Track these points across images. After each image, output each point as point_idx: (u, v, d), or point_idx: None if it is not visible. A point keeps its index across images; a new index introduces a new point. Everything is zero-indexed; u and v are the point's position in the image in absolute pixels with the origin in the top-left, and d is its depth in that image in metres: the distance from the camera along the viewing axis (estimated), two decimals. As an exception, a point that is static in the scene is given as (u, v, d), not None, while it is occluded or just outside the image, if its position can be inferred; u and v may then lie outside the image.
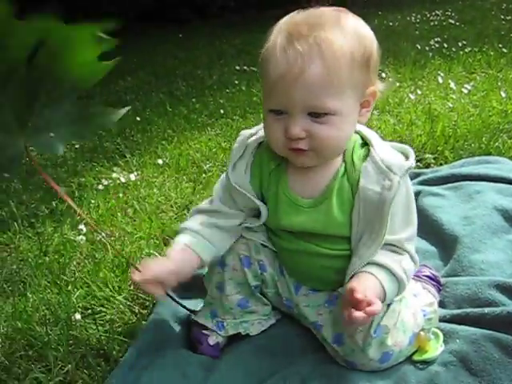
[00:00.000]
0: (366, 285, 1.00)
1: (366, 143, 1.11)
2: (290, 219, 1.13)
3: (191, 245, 1.15)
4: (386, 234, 1.03)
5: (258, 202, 1.16)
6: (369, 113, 1.09)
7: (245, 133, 1.20)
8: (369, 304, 0.95)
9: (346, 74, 0.98)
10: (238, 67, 4.56)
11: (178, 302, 1.28)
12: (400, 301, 1.12)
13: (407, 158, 1.08)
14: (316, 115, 1.00)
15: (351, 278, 1.05)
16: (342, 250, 1.11)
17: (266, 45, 1.04)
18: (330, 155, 1.08)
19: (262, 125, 1.18)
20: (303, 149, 1.03)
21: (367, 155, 1.08)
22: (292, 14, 1.05)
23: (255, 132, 1.18)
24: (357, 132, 1.12)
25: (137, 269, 1.08)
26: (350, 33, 1.00)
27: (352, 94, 1.01)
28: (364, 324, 1.02)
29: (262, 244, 1.22)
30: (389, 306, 1.10)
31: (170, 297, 1.23)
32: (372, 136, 1.12)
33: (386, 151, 1.08)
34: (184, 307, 1.29)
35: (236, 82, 4.07)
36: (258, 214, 1.20)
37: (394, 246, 1.07)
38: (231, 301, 1.23)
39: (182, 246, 1.16)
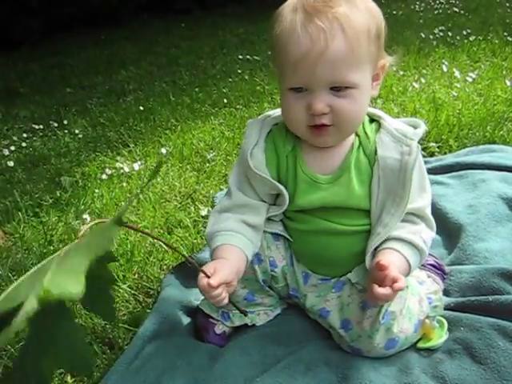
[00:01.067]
0: (391, 260, 1.01)
1: (373, 120, 1.15)
2: (310, 197, 1.12)
3: (235, 243, 1.11)
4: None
5: (278, 185, 1.14)
6: (379, 86, 1.12)
7: (253, 121, 1.19)
8: (394, 280, 0.95)
9: (364, 47, 1.01)
10: (240, 56, 4.54)
11: (239, 310, 1.22)
12: (406, 288, 1.12)
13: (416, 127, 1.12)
14: (338, 89, 1.02)
15: (374, 254, 1.08)
16: (361, 225, 1.12)
17: (278, 26, 1.04)
18: (350, 130, 1.10)
19: (267, 113, 1.19)
20: (327, 124, 1.04)
21: (379, 127, 1.12)
22: None
23: (263, 119, 1.18)
24: None
25: (205, 274, 0.99)
26: (363, 8, 1.03)
27: (368, 67, 1.05)
28: (387, 301, 1.02)
29: (274, 236, 1.20)
30: None
31: (233, 304, 1.17)
32: (378, 111, 1.15)
33: (396, 122, 1.12)
34: (241, 311, 1.23)
35: (239, 71, 4.06)
36: (276, 200, 1.19)
37: (414, 214, 1.10)
38: (237, 294, 1.22)
39: (227, 246, 1.10)
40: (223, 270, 1.01)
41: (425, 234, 1.09)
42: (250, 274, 1.20)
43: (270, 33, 1.08)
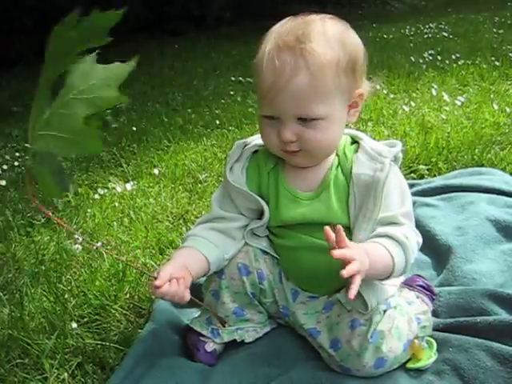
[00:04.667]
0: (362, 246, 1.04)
1: (355, 141, 1.20)
2: (291, 212, 1.17)
3: (195, 246, 1.16)
4: (382, 212, 1.09)
5: (255, 196, 1.19)
6: (358, 113, 1.17)
7: (240, 142, 1.26)
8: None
9: (331, 81, 1.06)
10: (233, 78, 4.59)
11: (202, 306, 1.26)
12: (395, 308, 1.14)
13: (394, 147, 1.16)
14: (305, 120, 1.08)
15: None
16: None
17: (258, 54, 1.11)
18: (322, 155, 1.16)
19: (256, 135, 1.25)
20: (295, 150, 1.12)
21: (358, 148, 1.17)
22: (283, 21, 1.13)
23: (250, 142, 1.25)
24: (346, 134, 1.21)
25: (153, 277, 1.05)
26: (335, 41, 1.07)
27: (339, 98, 1.10)
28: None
29: (262, 251, 1.24)
30: (385, 312, 1.12)
31: (195, 301, 1.18)
32: (360, 134, 1.22)
33: (374, 142, 1.18)
34: (213, 314, 1.25)
35: (232, 92, 4.10)
36: (259, 216, 1.23)
37: (391, 222, 1.11)
38: (226, 308, 1.24)
39: (186, 248, 1.17)
40: (165, 269, 1.06)
41: (406, 230, 1.09)
42: (238, 287, 1.23)
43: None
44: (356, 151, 1.17)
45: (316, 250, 1.16)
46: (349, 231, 1.14)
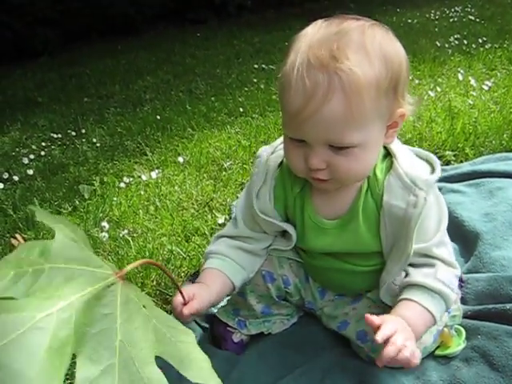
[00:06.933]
0: (399, 319, 0.97)
1: (388, 153, 1.06)
2: (318, 242, 1.11)
3: (222, 269, 1.12)
4: (416, 243, 1.01)
5: (286, 226, 1.14)
6: (396, 133, 1.02)
7: (262, 154, 1.14)
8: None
9: (369, 105, 0.91)
10: (256, 66, 4.57)
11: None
12: None
13: (432, 166, 1.04)
14: (337, 147, 0.94)
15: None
16: (376, 264, 1.11)
17: (285, 63, 0.96)
18: (353, 182, 1.04)
19: (279, 141, 1.15)
20: (323, 179, 0.99)
21: (390, 167, 1.04)
22: (314, 27, 0.97)
23: (273, 150, 1.14)
24: None
25: (182, 296, 0.98)
26: (376, 56, 0.91)
27: (377, 122, 0.95)
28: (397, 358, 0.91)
29: (287, 257, 1.21)
30: None
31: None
32: (394, 147, 1.06)
33: (409, 162, 1.03)
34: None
35: (255, 80, 4.08)
36: (284, 235, 1.19)
37: (424, 256, 1.05)
38: (254, 310, 1.24)
39: (214, 271, 1.12)
40: (200, 300, 1.01)
41: (441, 274, 1.03)
42: (263, 291, 1.22)
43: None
44: (388, 170, 1.03)
45: (345, 272, 1.13)
46: (381, 255, 1.09)
